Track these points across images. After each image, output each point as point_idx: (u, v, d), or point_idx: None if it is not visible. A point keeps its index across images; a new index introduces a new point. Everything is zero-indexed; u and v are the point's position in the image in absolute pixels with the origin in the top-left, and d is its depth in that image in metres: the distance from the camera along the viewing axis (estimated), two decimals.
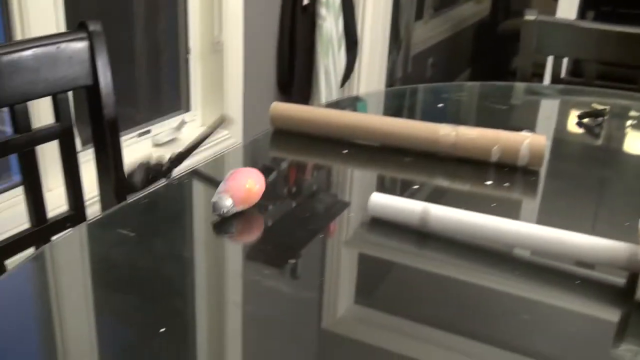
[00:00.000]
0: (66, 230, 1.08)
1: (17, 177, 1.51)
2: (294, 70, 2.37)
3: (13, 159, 1.50)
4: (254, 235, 0.75)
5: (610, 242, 0.66)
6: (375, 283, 0.66)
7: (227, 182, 0.77)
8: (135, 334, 0.57)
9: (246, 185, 0.76)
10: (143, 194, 0.84)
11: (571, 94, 1.42)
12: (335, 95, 2.52)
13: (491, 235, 0.70)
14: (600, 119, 1.19)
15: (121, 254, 0.69)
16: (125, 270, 0.66)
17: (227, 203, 0.75)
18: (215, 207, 0.75)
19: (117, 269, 0.66)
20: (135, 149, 1.89)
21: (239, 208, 0.76)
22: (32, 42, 0.96)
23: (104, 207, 1.16)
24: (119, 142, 1.11)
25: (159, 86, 2.04)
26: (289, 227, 0.76)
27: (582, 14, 2.86)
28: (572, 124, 1.20)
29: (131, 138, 1.88)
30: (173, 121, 2.03)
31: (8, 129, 1.52)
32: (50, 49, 0.98)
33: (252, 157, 0.99)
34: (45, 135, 1.01)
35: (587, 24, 1.60)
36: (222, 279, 0.66)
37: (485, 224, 0.70)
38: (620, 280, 0.66)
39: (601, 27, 1.55)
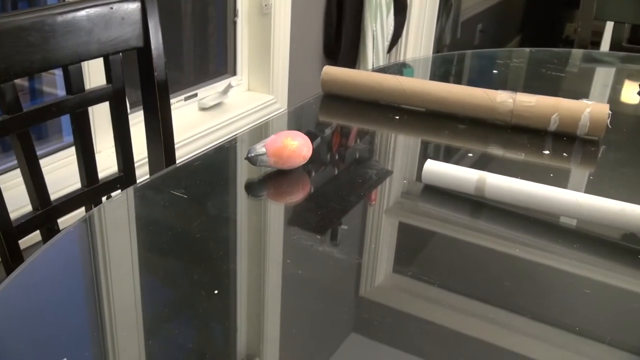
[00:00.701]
0: (117, 192, 1.09)
1: (68, 138, 1.54)
2: (341, 35, 2.33)
3: (64, 120, 1.52)
4: (299, 199, 0.74)
5: None
6: (418, 253, 0.65)
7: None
8: (183, 295, 0.57)
9: (284, 141, 0.76)
10: (193, 157, 0.83)
11: (632, 61, 1.36)
12: (382, 61, 2.48)
13: (548, 206, 0.68)
14: None
15: (171, 216, 0.69)
16: (174, 231, 0.66)
17: (259, 150, 0.76)
18: (248, 152, 0.77)
19: (166, 231, 0.67)
20: (182, 113, 1.89)
21: (272, 161, 0.76)
22: (85, 2, 0.96)
23: (153, 169, 1.17)
24: (169, 105, 1.11)
25: (205, 49, 2.04)
26: (334, 193, 0.75)
27: None
28: (633, 93, 1.15)
29: (178, 101, 1.89)
30: (219, 85, 2.03)
31: (59, 92, 1.54)
32: (104, 9, 0.97)
33: (297, 122, 0.98)
34: (97, 97, 1.02)
35: None
36: (266, 243, 0.65)
37: (543, 193, 0.68)
38: None
39: None
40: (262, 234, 0.67)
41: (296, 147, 0.77)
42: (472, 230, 0.68)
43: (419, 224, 0.69)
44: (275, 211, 0.72)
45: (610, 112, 0.87)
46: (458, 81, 1.21)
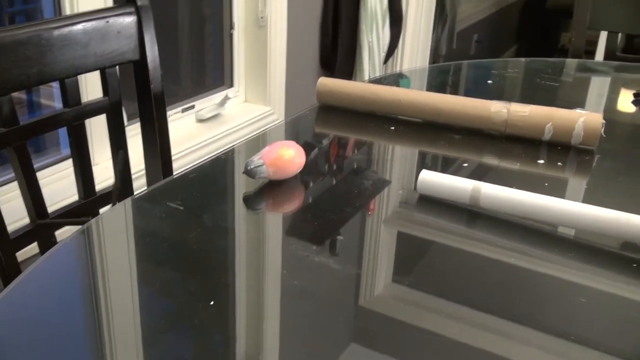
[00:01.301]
0: (114, 204, 1.10)
1: (65, 151, 1.54)
2: (337, 46, 2.34)
3: (62, 132, 1.52)
4: (296, 210, 0.74)
5: None
6: (417, 262, 0.65)
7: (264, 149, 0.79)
8: (180, 306, 0.57)
9: (279, 151, 0.77)
10: (190, 169, 0.84)
11: (626, 71, 1.37)
12: (378, 72, 2.49)
13: (543, 215, 0.68)
14: None
15: (168, 228, 0.70)
16: (171, 243, 0.67)
17: (257, 162, 0.76)
18: (246, 165, 0.77)
19: (163, 242, 0.67)
20: (179, 125, 1.90)
21: (271, 172, 0.77)
22: (81, 16, 0.96)
23: (150, 181, 1.17)
24: (166, 117, 1.12)
25: (202, 61, 2.05)
26: (331, 203, 0.75)
27: None
28: (627, 102, 1.16)
29: (175, 113, 1.89)
30: (216, 97, 2.03)
31: (57, 104, 1.55)
32: (100, 23, 0.98)
33: (294, 133, 0.98)
34: (94, 109, 1.02)
35: None
36: (264, 254, 0.66)
37: (538, 203, 0.68)
38: None
39: None
40: (261, 245, 0.67)
41: (292, 155, 0.78)
42: (470, 239, 0.68)
43: (418, 234, 0.70)
44: (274, 222, 0.72)
45: (604, 121, 0.87)
46: (455, 91, 1.22)
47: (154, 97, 1.09)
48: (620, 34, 1.61)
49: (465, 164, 0.87)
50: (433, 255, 0.66)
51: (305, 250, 0.66)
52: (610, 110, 1.11)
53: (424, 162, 0.89)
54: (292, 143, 0.80)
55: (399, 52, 2.74)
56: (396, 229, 0.70)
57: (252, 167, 0.77)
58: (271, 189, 0.78)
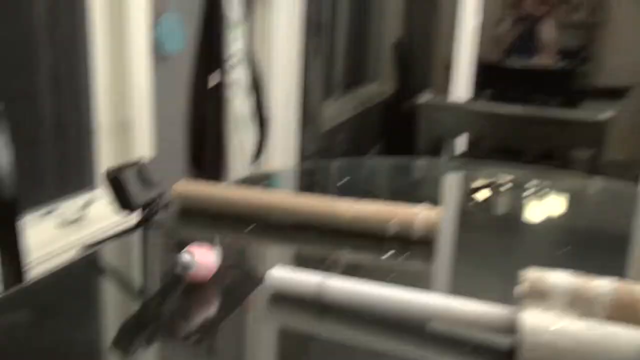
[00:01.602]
0: None
1: None
2: (205, 148, 2.39)
3: None
4: (163, 314, 0.75)
5: (489, 307, 0.70)
6: (283, 357, 0.68)
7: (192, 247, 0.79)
8: None
9: (209, 256, 0.78)
10: (43, 277, 0.82)
11: (467, 168, 1.51)
12: (246, 171, 2.55)
13: (385, 305, 0.73)
14: (493, 191, 1.27)
15: (14, 341, 0.67)
16: (19, 356, 0.65)
17: (189, 260, 0.76)
18: (178, 260, 0.76)
19: (9, 356, 0.65)
20: (39, 229, 1.83)
21: (201, 272, 0.77)
22: None
23: (3, 290, 1.12)
24: (19, 223, 1.09)
25: (64, 165, 2.01)
26: (194, 306, 0.76)
27: (478, 93, 3.05)
28: (466, 197, 1.28)
29: (35, 217, 1.83)
30: (79, 200, 1.99)
31: None
32: None
33: (156, 235, 0.99)
34: None
35: (477, 106, 1.73)
36: None
37: (378, 294, 0.73)
38: (506, 342, 0.71)
39: (489, 110, 1.67)
40: (123, 354, 0.67)
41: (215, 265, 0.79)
42: (327, 331, 0.71)
43: (279, 329, 0.72)
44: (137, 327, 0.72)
45: (441, 214, 0.96)
46: (322, 189, 1.29)
47: (7, 203, 1.06)
48: (464, 135, 1.77)
49: (318, 260, 0.91)
50: (298, 350, 0.69)
51: (180, 355, 0.66)
52: (451, 205, 1.22)
53: (282, 261, 0.93)
54: (204, 247, 0.81)
55: (267, 152, 2.83)
56: (262, 326, 0.73)
57: (186, 266, 0.77)
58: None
